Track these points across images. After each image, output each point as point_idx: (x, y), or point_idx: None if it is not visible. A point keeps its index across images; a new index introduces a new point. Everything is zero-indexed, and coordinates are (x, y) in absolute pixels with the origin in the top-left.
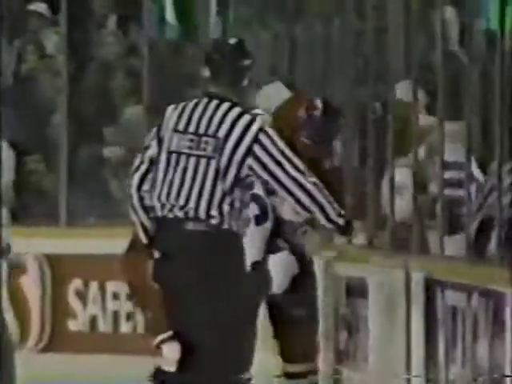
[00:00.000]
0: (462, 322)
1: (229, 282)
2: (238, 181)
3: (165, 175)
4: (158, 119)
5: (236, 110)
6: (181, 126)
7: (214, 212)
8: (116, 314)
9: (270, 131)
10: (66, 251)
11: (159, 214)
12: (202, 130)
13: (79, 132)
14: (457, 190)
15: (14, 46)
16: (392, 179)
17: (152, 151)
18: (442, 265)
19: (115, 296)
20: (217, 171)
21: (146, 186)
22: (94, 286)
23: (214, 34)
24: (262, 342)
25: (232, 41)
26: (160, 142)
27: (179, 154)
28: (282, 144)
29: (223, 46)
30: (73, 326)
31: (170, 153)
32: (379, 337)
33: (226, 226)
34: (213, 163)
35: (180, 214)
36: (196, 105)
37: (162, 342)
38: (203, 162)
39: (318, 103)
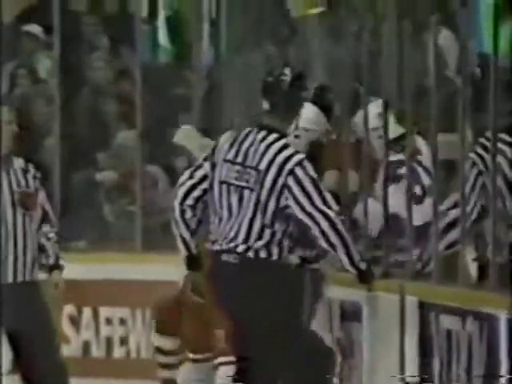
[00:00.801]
0: (457, 346)
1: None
2: (277, 213)
3: (215, 204)
4: (149, 143)
5: (281, 143)
6: (230, 156)
7: (251, 243)
8: (109, 339)
9: (308, 165)
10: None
11: (208, 244)
12: (248, 162)
13: (72, 156)
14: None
15: (6, 69)
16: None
17: (204, 171)
18: (436, 289)
19: (108, 321)
20: (256, 204)
21: (189, 201)
22: (87, 312)
23: (207, 58)
24: None
25: (290, 72)
26: (213, 167)
27: (228, 184)
28: (316, 178)
29: (283, 78)
30: (66, 351)
31: (220, 183)
32: (374, 361)
33: (262, 256)
34: (253, 196)
35: (222, 245)
36: (247, 135)
37: (223, 363)
38: (246, 193)
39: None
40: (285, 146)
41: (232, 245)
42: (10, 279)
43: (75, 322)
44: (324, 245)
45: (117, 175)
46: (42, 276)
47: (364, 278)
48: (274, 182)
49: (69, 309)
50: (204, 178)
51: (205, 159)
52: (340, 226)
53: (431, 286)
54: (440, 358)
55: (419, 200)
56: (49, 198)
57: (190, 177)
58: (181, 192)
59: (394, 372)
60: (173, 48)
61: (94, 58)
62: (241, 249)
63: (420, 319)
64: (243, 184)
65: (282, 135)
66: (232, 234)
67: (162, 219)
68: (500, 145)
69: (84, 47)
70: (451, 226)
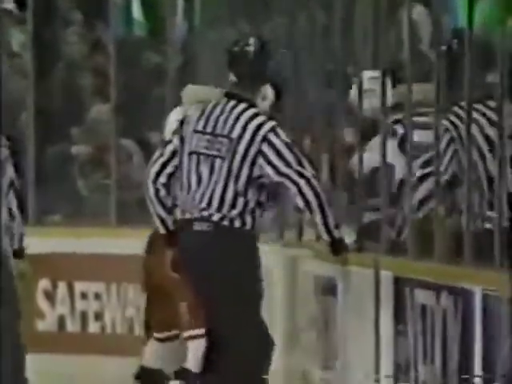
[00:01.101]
0: (432, 321)
1: (236, 281)
2: (250, 181)
3: (186, 175)
4: (124, 117)
5: (251, 111)
6: (200, 127)
7: (225, 212)
8: (84, 314)
9: (281, 131)
10: (33, 251)
11: (178, 212)
12: (218, 131)
13: (46, 131)
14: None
15: None
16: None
17: (173, 146)
18: (411, 263)
19: (83, 296)
20: (229, 172)
21: (162, 179)
22: (62, 286)
23: (181, 32)
24: None
25: (253, 43)
26: (182, 139)
27: (198, 154)
28: (290, 142)
29: (247, 49)
30: (41, 326)
31: (190, 153)
32: (349, 335)
33: (237, 225)
34: (225, 164)
35: (194, 214)
36: (215, 106)
37: (191, 337)
38: (218, 162)
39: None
40: (256, 114)
41: (205, 213)
42: None
43: (50, 296)
44: (301, 204)
45: (91, 149)
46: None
47: (337, 248)
48: (247, 149)
49: (44, 283)
50: (174, 154)
51: (173, 133)
52: (316, 185)
53: (406, 260)
54: (414, 333)
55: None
56: (21, 172)
57: (161, 154)
58: (153, 171)
59: (369, 347)
60: (147, 21)
61: (69, 32)
62: (215, 218)
63: (395, 294)
64: (214, 153)
65: (252, 104)
66: (204, 203)
67: (137, 193)
68: (474, 115)
69: (58, 22)
70: (423, 178)
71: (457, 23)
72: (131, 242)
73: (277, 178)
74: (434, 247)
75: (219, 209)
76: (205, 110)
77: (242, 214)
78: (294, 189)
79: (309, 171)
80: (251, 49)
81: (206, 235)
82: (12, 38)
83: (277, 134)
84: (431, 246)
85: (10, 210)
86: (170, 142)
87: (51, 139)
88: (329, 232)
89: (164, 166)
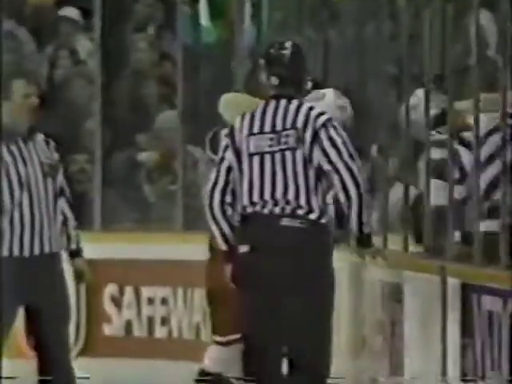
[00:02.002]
0: (499, 327)
1: (321, 279)
2: (321, 168)
3: (251, 177)
4: (190, 124)
5: (306, 105)
6: (255, 129)
7: (314, 206)
8: (151, 319)
9: (338, 126)
10: (100, 256)
11: (249, 210)
12: (279, 127)
13: (113, 138)
14: None
15: (46, 52)
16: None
17: (228, 162)
18: (478, 270)
19: (150, 301)
20: (305, 159)
21: (228, 198)
22: (129, 291)
23: (249, 39)
24: None
25: (289, 45)
26: (236, 150)
27: (262, 153)
28: (344, 135)
29: (283, 52)
30: (108, 330)
31: (250, 155)
32: (415, 342)
33: (323, 221)
34: (299, 153)
35: (276, 210)
36: (265, 108)
37: (229, 343)
38: (288, 154)
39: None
40: (312, 107)
41: (294, 209)
42: (37, 251)
43: (117, 301)
44: (342, 197)
45: (158, 156)
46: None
47: (362, 241)
48: (313, 136)
49: (111, 288)
50: (230, 169)
51: (224, 150)
52: (360, 179)
53: (473, 267)
54: (482, 340)
55: (458, 182)
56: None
57: (218, 174)
58: (217, 193)
59: (436, 354)
60: (214, 29)
61: (138, 39)
62: (304, 212)
63: (462, 300)
64: (282, 147)
65: (301, 101)
66: (290, 197)
67: (203, 199)
68: None
69: (128, 29)
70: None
71: None
72: (197, 248)
73: (326, 166)
74: (500, 253)
75: (308, 202)
76: (254, 114)
77: (321, 208)
78: (337, 179)
79: (356, 165)
80: (287, 52)
81: (299, 231)
82: (78, 45)
83: (334, 125)
84: (497, 252)
85: (63, 214)
86: (223, 159)
87: (118, 146)
88: (360, 225)
89: (226, 184)
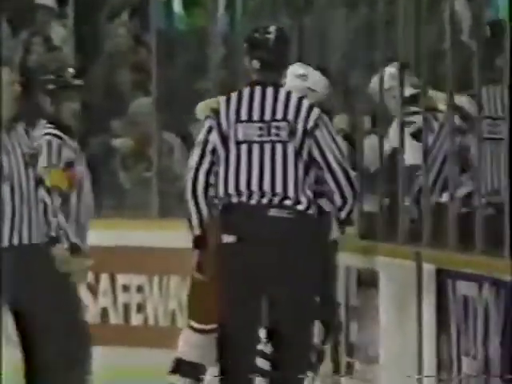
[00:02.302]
0: (474, 313)
1: (311, 268)
2: (310, 162)
3: (238, 165)
4: (165, 111)
5: (295, 96)
6: (243, 116)
7: (302, 197)
8: (126, 306)
9: (327, 119)
10: None
11: (234, 200)
12: (268, 116)
13: (87, 124)
14: None
15: (20, 38)
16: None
17: (213, 144)
18: (453, 256)
19: (125, 288)
20: (295, 154)
21: (211, 180)
22: (104, 279)
23: (223, 26)
24: None
25: (273, 29)
26: (222, 134)
27: (250, 142)
28: (334, 130)
29: (268, 36)
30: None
31: (238, 143)
32: (391, 328)
33: (310, 212)
34: (290, 146)
35: (264, 201)
36: (251, 94)
37: (206, 331)
38: (279, 146)
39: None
40: (302, 97)
41: (279, 199)
42: (26, 241)
43: (93, 288)
44: (338, 200)
45: (133, 142)
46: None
47: (344, 223)
48: (304, 129)
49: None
50: (214, 151)
51: (207, 132)
52: (356, 184)
53: (448, 252)
54: (457, 325)
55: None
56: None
57: (202, 155)
58: (202, 175)
59: (411, 340)
60: (188, 15)
61: (114, 26)
62: (292, 203)
63: (437, 286)
64: (273, 138)
65: (289, 90)
66: (278, 189)
67: (179, 186)
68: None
69: (101, 16)
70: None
71: (497, 15)
72: (173, 235)
73: (325, 168)
74: (475, 238)
75: (296, 193)
76: (240, 99)
77: (309, 199)
78: (331, 179)
79: (346, 162)
80: (272, 36)
81: (287, 222)
82: (53, 31)
83: (325, 121)
84: (472, 237)
85: (44, 202)
86: (207, 141)
87: (92, 132)
88: (347, 217)
89: (211, 166)
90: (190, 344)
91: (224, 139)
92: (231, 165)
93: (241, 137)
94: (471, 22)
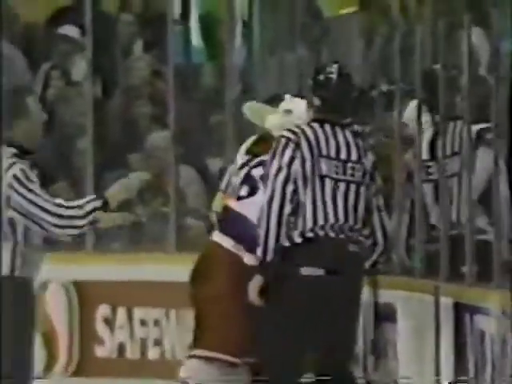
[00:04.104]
0: (491, 347)
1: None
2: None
3: (324, 200)
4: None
5: (356, 136)
6: (324, 152)
7: (367, 234)
8: (143, 341)
9: None
10: (92, 277)
11: (320, 233)
12: (343, 156)
13: (104, 158)
14: None
15: (41, 70)
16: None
17: (294, 175)
18: (470, 290)
19: (143, 322)
20: (366, 196)
21: (287, 209)
22: (121, 312)
23: (239, 58)
24: None
25: (336, 69)
26: (303, 165)
27: (332, 179)
28: None
29: (330, 76)
30: (100, 352)
31: (322, 177)
32: (408, 362)
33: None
34: (363, 188)
35: (343, 236)
36: (324, 131)
37: (236, 365)
38: (353, 187)
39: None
40: (360, 139)
41: (355, 235)
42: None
43: (109, 322)
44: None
45: (150, 176)
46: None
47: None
48: (370, 175)
49: (103, 309)
50: (295, 191)
51: (290, 161)
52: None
53: (465, 287)
54: (475, 359)
55: None
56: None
57: (283, 194)
58: (284, 216)
59: (430, 373)
60: (205, 48)
61: (131, 59)
62: (361, 239)
63: (455, 320)
64: (348, 178)
65: (353, 130)
66: (358, 225)
67: (195, 220)
68: None
69: (118, 49)
70: None
71: None
72: (190, 269)
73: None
74: (492, 272)
75: (363, 232)
76: (317, 135)
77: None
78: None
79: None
80: (335, 75)
81: (359, 257)
82: (73, 65)
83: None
84: (489, 271)
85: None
86: (289, 175)
87: (109, 166)
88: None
89: (291, 203)
90: (201, 374)
91: (306, 170)
92: (318, 199)
93: (324, 171)
94: (489, 55)
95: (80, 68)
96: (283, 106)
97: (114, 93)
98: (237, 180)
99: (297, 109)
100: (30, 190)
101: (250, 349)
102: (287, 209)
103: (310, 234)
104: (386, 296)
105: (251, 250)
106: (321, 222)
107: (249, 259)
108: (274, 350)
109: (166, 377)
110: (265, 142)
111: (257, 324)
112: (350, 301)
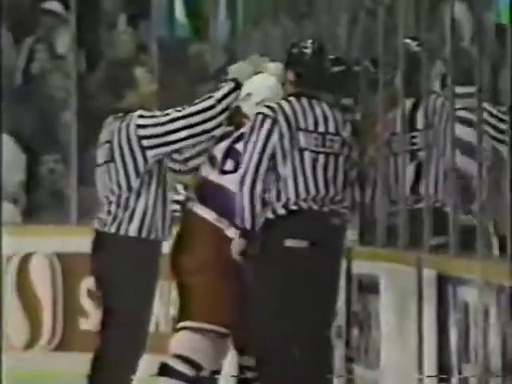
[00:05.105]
0: (474, 318)
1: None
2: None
3: (304, 173)
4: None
5: (336, 110)
6: (302, 124)
7: (346, 207)
8: None
9: None
10: (77, 250)
11: (304, 206)
12: (322, 129)
13: (89, 130)
14: None
15: (24, 45)
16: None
17: (272, 148)
18: (453, 261)
19: None
20: (344, 165)
21: (266, 186)
22: None
23: (223, 32)
24: None
25: (311, 45)
26: (282, 138)
27: (312, 151)
28: None
29: (305, 51)
30: (85, 325)
31: (301, 150)
32: (391, 333)
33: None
34: (341, 160)
35: (326, 209)
36: (301, 105)
37: (203, 330)
38: (332, 158)
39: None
40: (339, 113)
41: (339, 207)
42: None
43: (93, 295)
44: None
45: None
46: None
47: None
48: (348, 145)
49: (87, 282)
50: (272, 157)
51: (268, 133)
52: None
53: (449, 258)
54: (458, 331)
55: None
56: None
57: (259, 160)
58: (259, 183)
59: (412, 346)
60: (189, 23)
61: (116, 32)
62: (344, 212)
63: (438, 291)
64: (327, 150)
65: (330, 104)
66: (338, 197)
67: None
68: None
69: (102, 22)
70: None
71: (499, 19)
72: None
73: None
74: (476, 244)
75: (344, 204)
76: (294, 108)
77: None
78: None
79: None
80: (309, 50)
81: (340, 229)
82: (58, 39)
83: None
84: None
85: None
86: (266, 144)
87: (94, 139)
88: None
89: (267, 171)
90: (188, 343)
91: (282, 143)
92: (297, 170)
93: (303, 144)
94: (472, 27)
95: (65, 41)
96: (243, 90)
97: (98, 66)
98: (216, 152)
99: (253, 86)
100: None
101: (235, 321)
102: (259, 183)
103: (294, 207)
104: (369, 268)
105: (234, 223)
106: (303, 194)
107: (231, 232)
108: (261, 322)
109: (149, 349)
110: (240, 115)
111: (242, 296)
112: (332, 272)
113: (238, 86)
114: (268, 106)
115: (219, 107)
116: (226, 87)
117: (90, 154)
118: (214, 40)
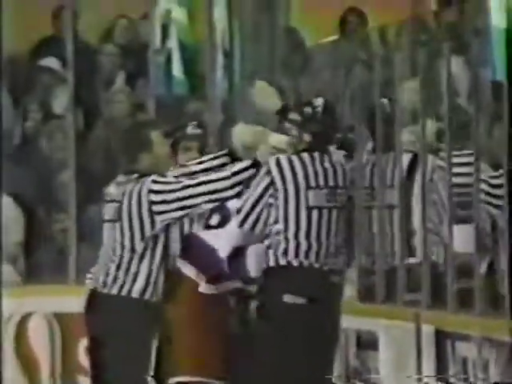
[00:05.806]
0: (474, 373)
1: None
2: None
3: (309, 230)
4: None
5: (340, 160)
6: (313, 183)
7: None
8: None
9: None
10: (75, 309)
11: (305, 264)
12: (331, 183)
13: (87, 191)
14: None
15: (21, 104)
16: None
17: (265, 201)
18: (452, 317)
19: None
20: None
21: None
22: None
23: (221, 89)
24: None
25: (321, 103)
26: (286, 195)
27: (319, 208)
28: None
29: (317, 110)
30: (83, 383)
31: (309, 208)
32: None
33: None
34: (342, 214)
35: (326, 268)
36: (312, 158)
37: None
38: (335, 213)
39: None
40: (342, 162)
41: (336, 266)
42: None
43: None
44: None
45: None
46: None
47: None
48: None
49: (85, 341)
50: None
51: (265, 189)
52: None
53: (447, 314)
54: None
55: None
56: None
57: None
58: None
59: None
60: (186, 80)
61: (112, 91)
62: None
63: (436, 347)
64: (337, 205)
65: (335, 154)
66: (337, 255)
67: None
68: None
69: (100, 81)
70: None
71: (495, 76)
72: None
73: None
74: (474, 300)
75: (344, 257)
76: (305, 164)
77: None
78: None
79: None
80: (320, 108)
81: (339, 288)
82: (55, 98)
83: None
84: (471, 299)
85: None
86: (262, 196)
87: (92, 199)
88: None
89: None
90: None
91: (286, 201)
92: (302, 229)
93: (311, 203)
94: (469, 84)
95: (61, 101)
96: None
97: (96, 125)
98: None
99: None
100: (178, 182)
101: (225, 374)
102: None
103: (295, 263)
104: (368, 324)
105: (213, 279)
106: (304, 250)
107: (205, 288)
108: (250, 376)
109: None
110: None
111: (231, 349)
112: (330, 330)
113: (255, 165)
114: (278, 163)
115: (232, 180)
116: (244, 162)
117: (88, 215)
118: (212, 98)
